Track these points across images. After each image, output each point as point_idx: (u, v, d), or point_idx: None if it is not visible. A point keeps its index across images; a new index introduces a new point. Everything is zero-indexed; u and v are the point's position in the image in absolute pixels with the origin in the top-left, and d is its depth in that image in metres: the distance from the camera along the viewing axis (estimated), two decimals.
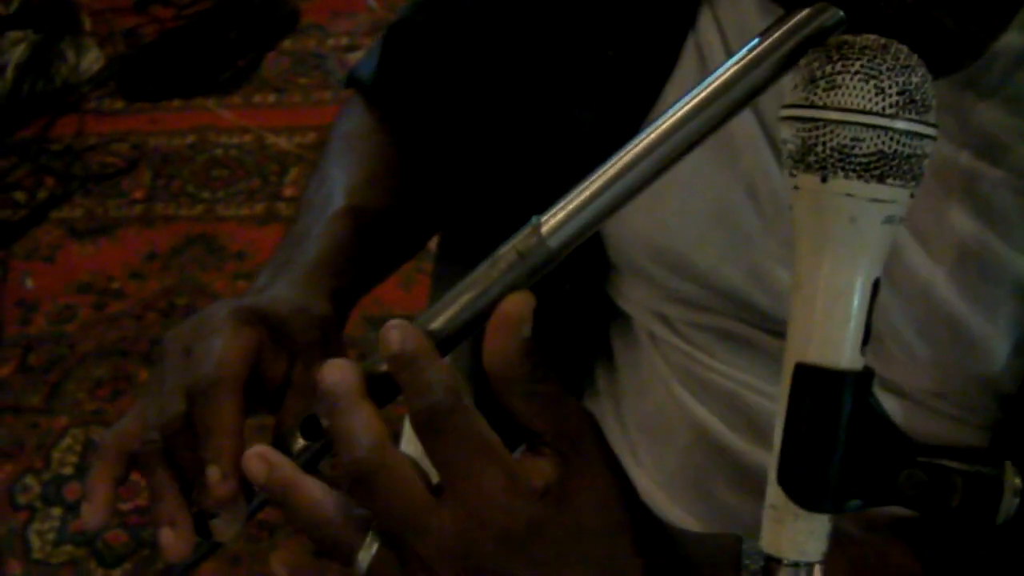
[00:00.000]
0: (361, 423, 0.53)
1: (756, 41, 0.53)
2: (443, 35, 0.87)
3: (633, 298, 0.80)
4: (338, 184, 0.85)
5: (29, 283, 2.30)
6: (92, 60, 2.81)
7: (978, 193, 0.64)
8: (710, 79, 0.53)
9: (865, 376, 0.51)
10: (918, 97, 0.49)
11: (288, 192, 2.41)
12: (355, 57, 2.62)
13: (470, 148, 0.88)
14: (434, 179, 0.91)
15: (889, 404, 0.69)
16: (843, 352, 0.51)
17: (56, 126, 2.65)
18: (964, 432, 0.69)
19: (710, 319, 0.75)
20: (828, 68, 0.50)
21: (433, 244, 1.03)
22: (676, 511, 0.81)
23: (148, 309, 2.22)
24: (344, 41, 2.78)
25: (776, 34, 0.53)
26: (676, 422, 0.80)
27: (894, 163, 0.49)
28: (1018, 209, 0.63)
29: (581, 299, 0.82)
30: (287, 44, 2.82)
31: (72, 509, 1.88)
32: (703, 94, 0.53)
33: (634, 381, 0.84)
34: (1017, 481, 0.51)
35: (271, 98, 2.66)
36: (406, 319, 0.55)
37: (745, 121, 0.69)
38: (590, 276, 0.80)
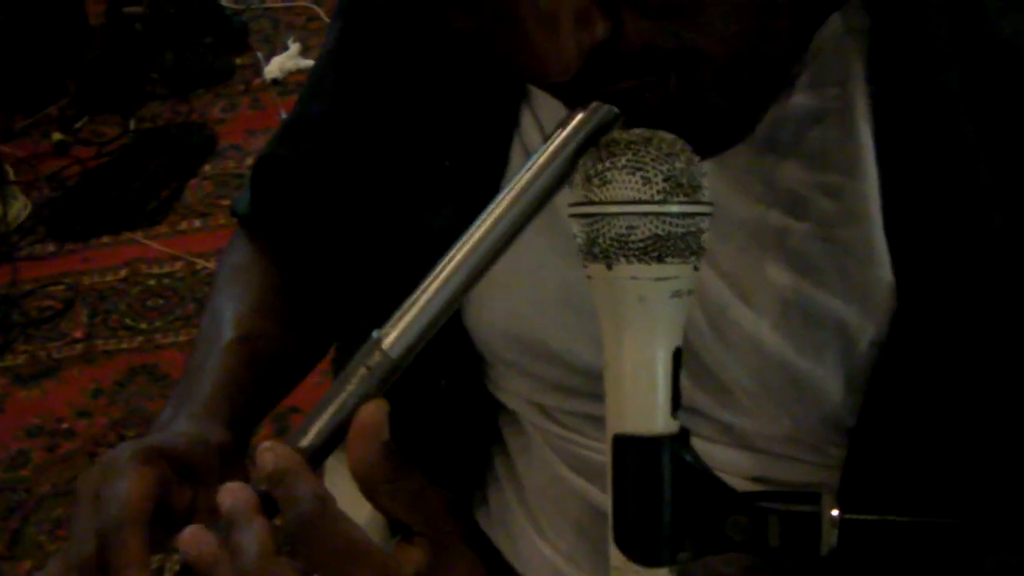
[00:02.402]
0: (251, 536, 0.58)
1: (543, 146, 0.58)
2: (303, 163, 0.92)
3: (509, 389, 0.85)
4: (227, 315, 0.91)
5: None
6: (20, 208, 2.85)
7: (789, 247, 0.69)
8: (508, 188, 0.58)
9: (681, 437, 0.56)
10: (684, 180, 0.54)
11: None
12: None
13: (345, 263, 0.93)
14: (318, 298, 0.96)
15: (744, 459, 0.74)
16: (656, 419, 0.56)
17: None
18: (819, 474, 0.73)
19: (579, 405, 0.80)
20: (599, 166, 0.55)
21: None
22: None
23: (99, 445, 2.25)
24: None
25: (560, 137, 0.58)
26: (567, 497, 0.84)
27: (669, 243, 0.54)
28: (827, 257, 0.68)
29: (460, 394, 0.87)
30: (207, 168, 2.88)
31: None
32: (503, 204, 0.58)
33: (526, 464, 0.89)
34: (834, 513, 0.56)
35: (197, 223, 2.72)
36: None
37: None
38: (464, 371, 0.85)
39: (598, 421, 0.79)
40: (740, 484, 0.74)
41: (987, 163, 0.63)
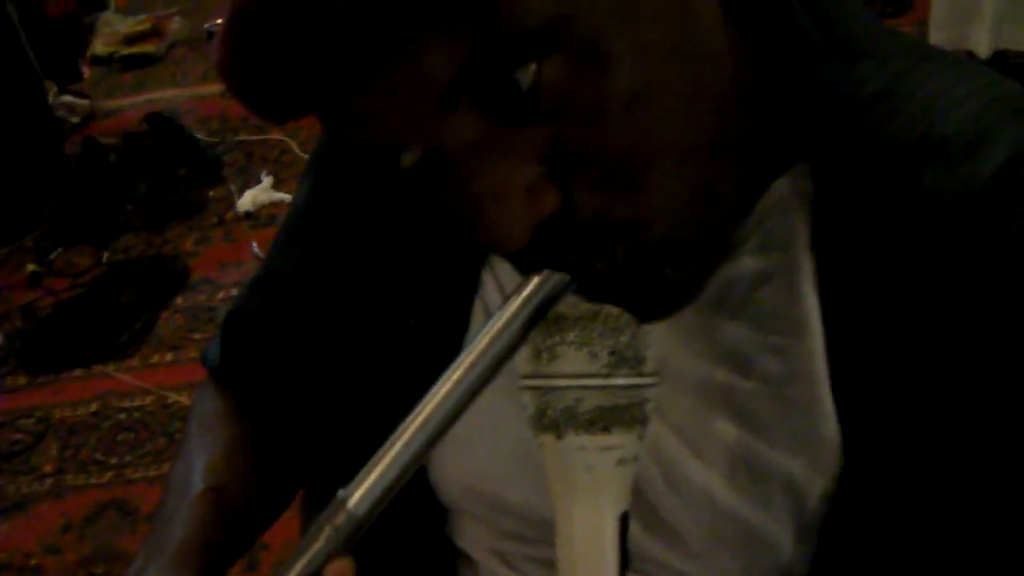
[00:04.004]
0: None
1: (498, 313, 0.61)
2: (273, 318, 0.95)
3: (470, 538, 0.87)
4: (197, 466, 0.92)
5: None
6: None
7: (737, 404, 0.71)
8: (466, 353, 0.61)
9: None
10: (629, 354, 0.58)
11: None
12: None
13: (313, 415, 0.95)
14: (287, 447, 0.98)
15: None
16: None
17: None
18: None
19: (538, 551, 0.81)
20: (548, 341, 0.58)
21: None
22: None
23: None
24: (234, 292, 2.85)
25: (514, 305, 0.61)
26: None
27: (614, 414, 0.57)
28: (774, 414, 0.70)
29: (425, 544, 0.88)
30: (179, 301, 2.91)
31: None
32: (461, 368, 0.61)
33: None
34: None
35: (168, 356, 2.73)
36: None
37: None
38: (429, 521, 0.87)
39: (555, 566, 0.81)
40: None
41: (924, 320, 0.66)
